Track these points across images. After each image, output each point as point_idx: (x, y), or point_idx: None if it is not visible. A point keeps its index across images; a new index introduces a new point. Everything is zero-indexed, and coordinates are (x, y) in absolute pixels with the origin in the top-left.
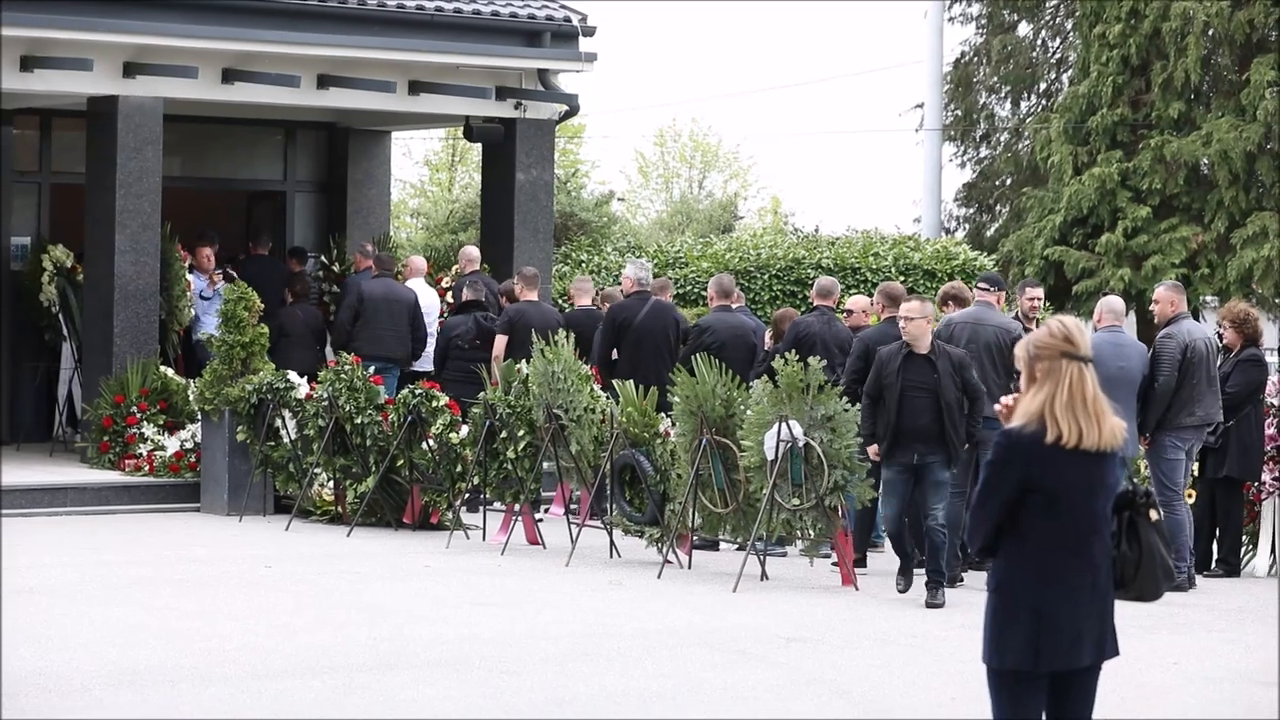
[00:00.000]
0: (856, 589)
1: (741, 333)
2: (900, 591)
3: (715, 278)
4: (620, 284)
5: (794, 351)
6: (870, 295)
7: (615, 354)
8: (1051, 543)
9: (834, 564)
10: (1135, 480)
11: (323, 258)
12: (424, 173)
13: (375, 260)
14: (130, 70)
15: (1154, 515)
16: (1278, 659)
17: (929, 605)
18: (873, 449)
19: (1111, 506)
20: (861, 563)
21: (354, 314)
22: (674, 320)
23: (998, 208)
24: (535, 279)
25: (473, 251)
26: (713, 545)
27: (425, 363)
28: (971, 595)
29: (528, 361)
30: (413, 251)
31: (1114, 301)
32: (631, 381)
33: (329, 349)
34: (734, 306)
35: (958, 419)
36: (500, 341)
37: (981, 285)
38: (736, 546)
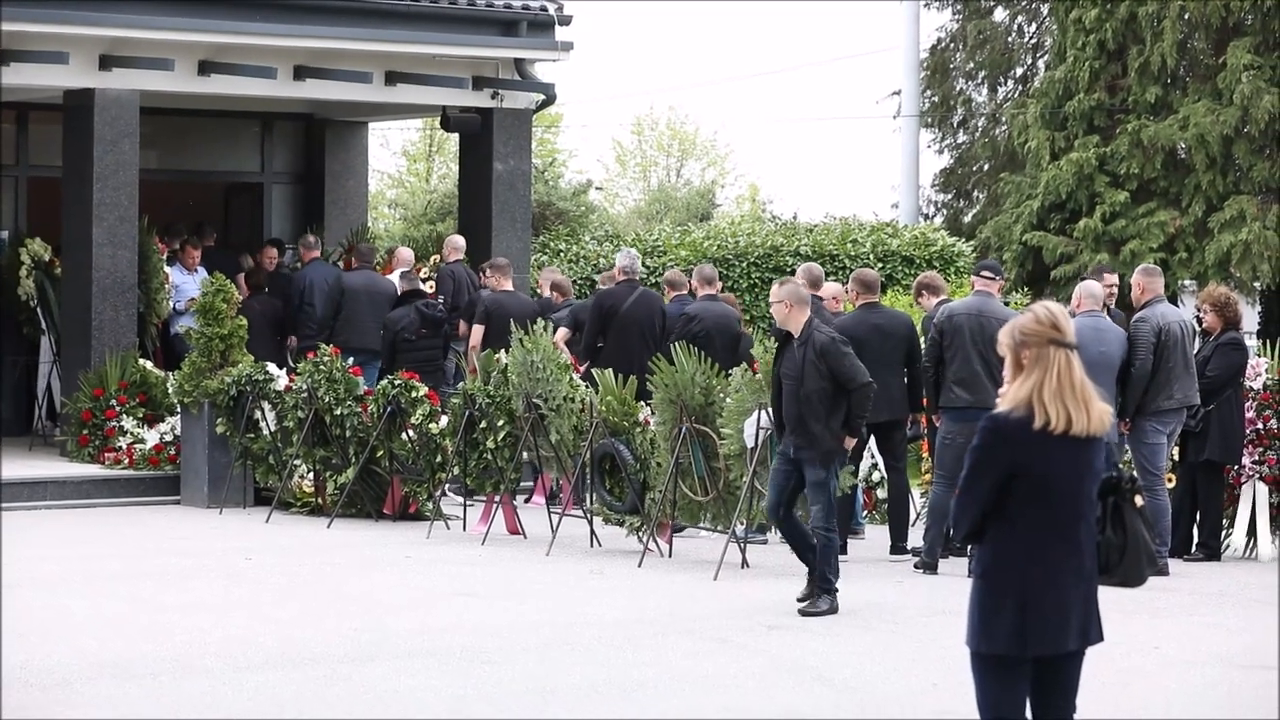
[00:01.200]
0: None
1: (726, 321)
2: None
3: (698, 267)
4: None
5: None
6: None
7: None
8: (1037, 528)
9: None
10: (1120, 466)
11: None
12: (401, 163)
13: (355, 252)
14: (106, 63)
15: (1139, 501)
16: (1278, 641)
17: (803, 613)
18: None
19: (1096, 492)
20: (842, 549)
21: (335, 307)
22: (660, 309)
23: (975, 193)
24: (508, 268)
25: (458, 240)
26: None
27: None
28: (952, 581)
29: (508, 351)
30: (390, 242)
31: (1093, 286)
32: (612, 370)
33: (291, 340)
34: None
35: (818, 411)
36: (477, 332)
37: (985, 274)
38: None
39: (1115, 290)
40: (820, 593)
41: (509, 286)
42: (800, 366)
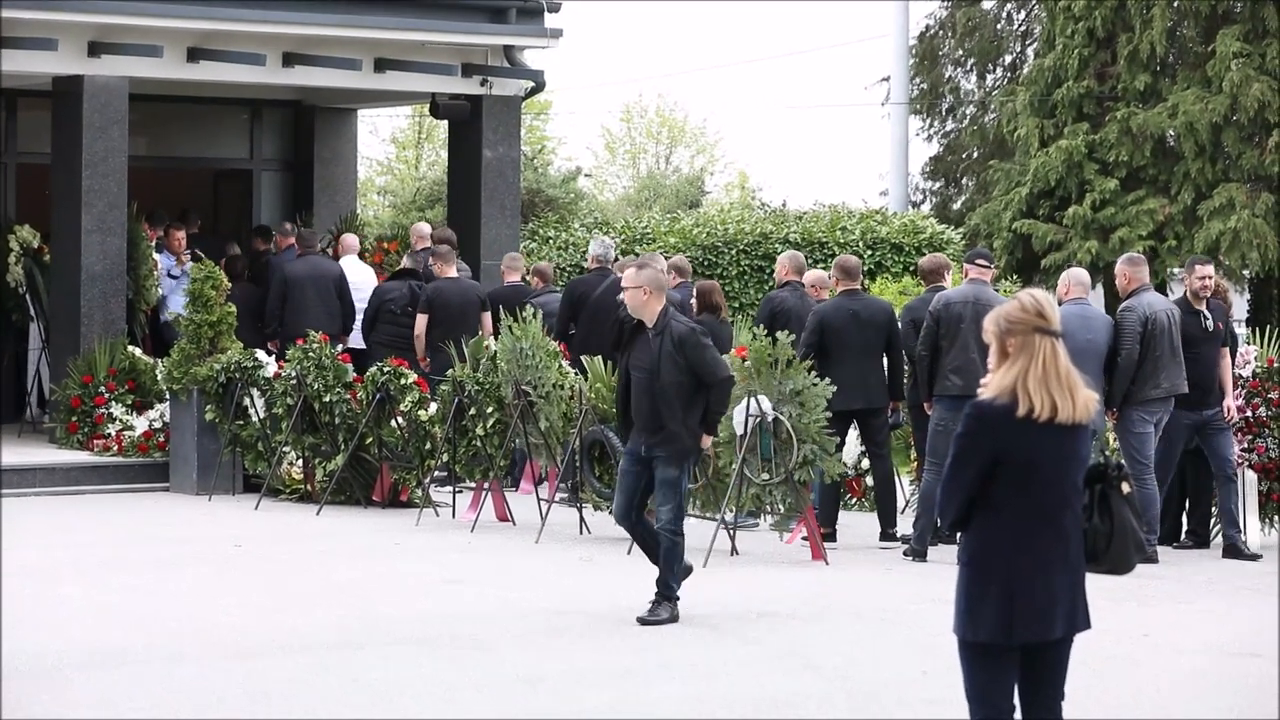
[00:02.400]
0: (826, 563)
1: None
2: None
3: (673, 259)
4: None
5: (762, 327)
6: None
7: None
8: (1023, 515)
9: (803, 538)
10: (1107, 453)
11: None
12: (390, 150)
13: (297, 238)
14: (95, 50)
15: (1125, 488)
16: (1278, 628)
17: (642, 621)
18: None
19: (1083, 479)
20: (831, 536)
21: (281, 297)
22: None
23: (964, 181)
24: (450, 255)
25: (424, 228)
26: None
27: (355, 339)
28: (941, 569)
29: (446, 340)
30: (380, 229)
31: (1079, 273)
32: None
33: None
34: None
35: (674, 406)
36: (420, 321)
37: (980, 263)
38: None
39: (1209, 283)
40: (661, 599)
41: (452, 273)
42: (656, 358)
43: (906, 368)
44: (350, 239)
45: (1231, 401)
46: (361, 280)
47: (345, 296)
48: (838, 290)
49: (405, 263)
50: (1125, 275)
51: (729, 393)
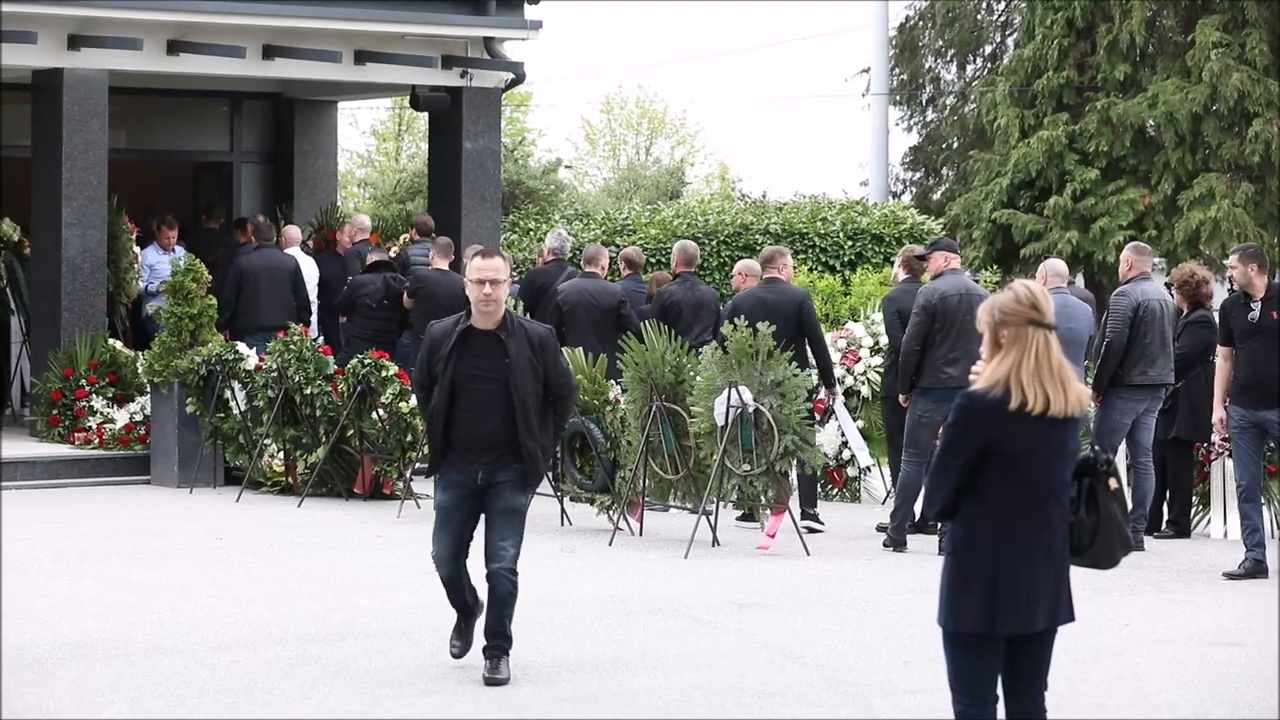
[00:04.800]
0: (808, 553)
1: (595, 296)
2: (454, 655)
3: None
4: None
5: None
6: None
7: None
8: (1010, 507)
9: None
10: (1096, 448)
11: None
12: (371, 142)
13: (254, 230)
14: (75, 43)
15: (1113, 484)
16: (1278, 617)
17: (488, 681)
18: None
19: (1071, 473)
20: (815, 518)
21: (235, 289)
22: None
23: (944, 171)
24: (449, 249)
25: (364, 221)
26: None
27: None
28: (922, 560)
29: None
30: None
31: (1056, 264)
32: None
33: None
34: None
35: (531, 423)
36: (407, 300)
37: (952, 252)
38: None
39: (1235, 274)
40: (502, 653)
41: (444, 266)
42: (508, 365)
43: (881, 359)
44: (292, 230)
45: None
46: (305, 272)
47: (300, 289)
48: (765, 277)
49: (374, 256)
50: (1128, 262)
51: (574, 403)
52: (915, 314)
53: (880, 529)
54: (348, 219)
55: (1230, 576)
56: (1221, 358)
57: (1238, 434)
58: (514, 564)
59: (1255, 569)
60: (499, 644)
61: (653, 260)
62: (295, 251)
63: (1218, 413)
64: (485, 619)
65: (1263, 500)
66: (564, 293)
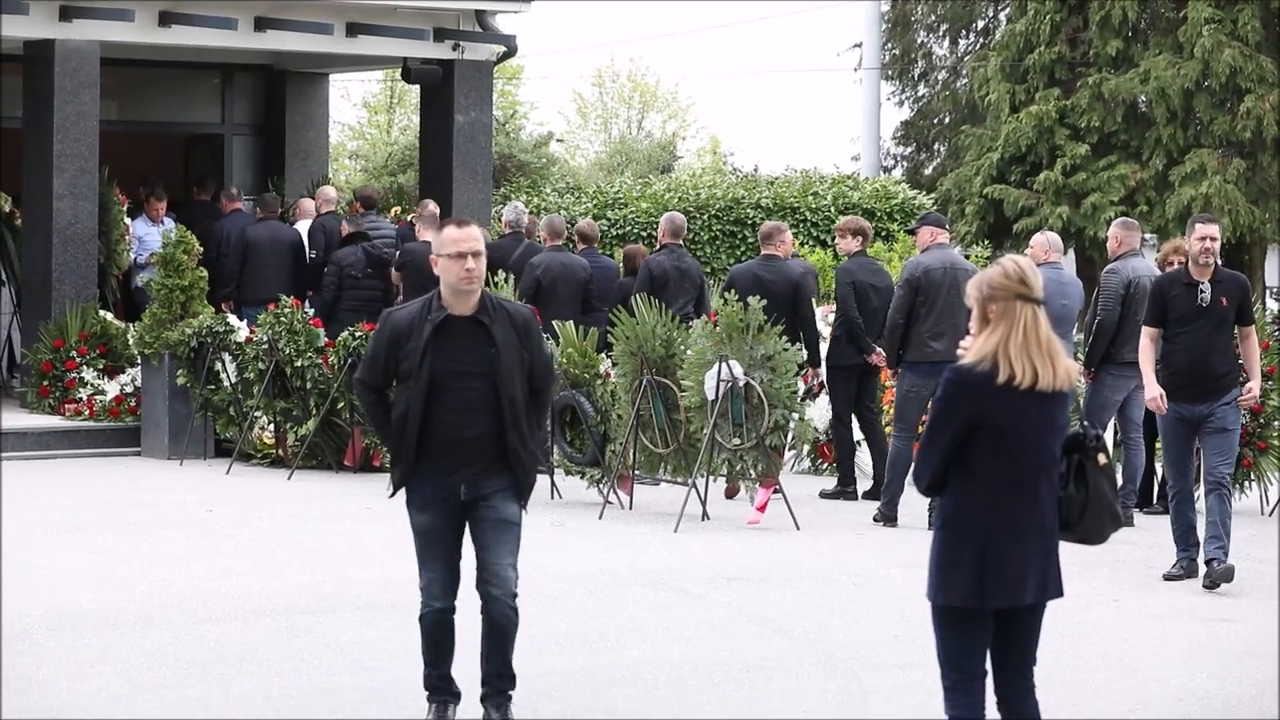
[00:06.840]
0: (797, 528)
1: (571, 270)
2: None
3: (549, 218)
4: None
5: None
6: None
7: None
8: (999, 481)
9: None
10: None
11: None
12: (362, 115)
13: (260, 203)
14: (67, 14)
15: (1102, 459)
16: (1278, 601)
17: None
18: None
19: (1061, 448)
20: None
21: (240, 260)
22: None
23: (936, 146)
24: (435, 220)
25: (329, 192)
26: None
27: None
28: (912, 535)
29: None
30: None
31: (1054, 238)
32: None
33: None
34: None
35: (521, 423)
36: (395, 275)
37: (940, 227)
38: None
39: (1210, 245)
40: (507, 698)
41: (429, 237)
42: (495, 356)
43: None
44: (307, 203)
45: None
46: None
47: (301, 261)
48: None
49: (347, 228)
50: (1117, 238)
51: (551, 396)
52: (899, 287)
53: (824, 495)
54: (339, 190)
55: (1169, 578)
56: (1148, 338)
57: (1171, 433)
58: (516, 588)
59: (1190, 569)
60: (503, 687)
61: (642, 235)
62: (306, 224)
63: (1152, 390)
64: (483, 656)
65: (1232, 489)
66: (541, 266)
